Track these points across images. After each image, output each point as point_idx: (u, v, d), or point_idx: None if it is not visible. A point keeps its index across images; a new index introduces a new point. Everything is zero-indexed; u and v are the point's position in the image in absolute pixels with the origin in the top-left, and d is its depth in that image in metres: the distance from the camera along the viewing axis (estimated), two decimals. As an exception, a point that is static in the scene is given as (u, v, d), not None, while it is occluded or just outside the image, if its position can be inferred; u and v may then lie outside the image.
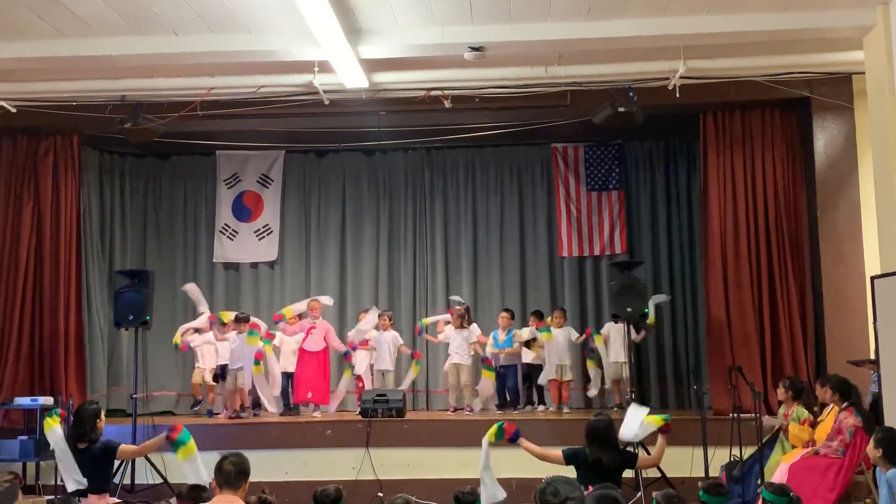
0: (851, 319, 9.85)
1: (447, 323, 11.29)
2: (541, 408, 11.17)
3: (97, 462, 6.85)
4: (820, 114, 10.27)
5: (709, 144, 10.69)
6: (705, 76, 9.69)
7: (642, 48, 8.96)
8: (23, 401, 9.85)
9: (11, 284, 10.77)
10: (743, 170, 10.56)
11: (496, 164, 12.79)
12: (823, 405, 8.33)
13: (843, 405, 7.83)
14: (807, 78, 9.93)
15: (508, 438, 6.63)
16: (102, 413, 7.17)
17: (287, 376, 11.17)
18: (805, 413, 8.35)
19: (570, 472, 6.73)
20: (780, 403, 8.76)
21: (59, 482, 8.50)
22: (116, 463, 7.43)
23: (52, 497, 8.26)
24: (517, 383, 11.30)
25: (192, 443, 6.74)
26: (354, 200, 12.85)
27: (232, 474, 4.92)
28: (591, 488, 5.48)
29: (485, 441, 6.53)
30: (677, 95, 9.74)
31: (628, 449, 7.58)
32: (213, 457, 5.13)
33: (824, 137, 10.28)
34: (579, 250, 12.41)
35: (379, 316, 11.33)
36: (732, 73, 9.70)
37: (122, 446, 7.15)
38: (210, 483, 5.05)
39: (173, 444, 6.73)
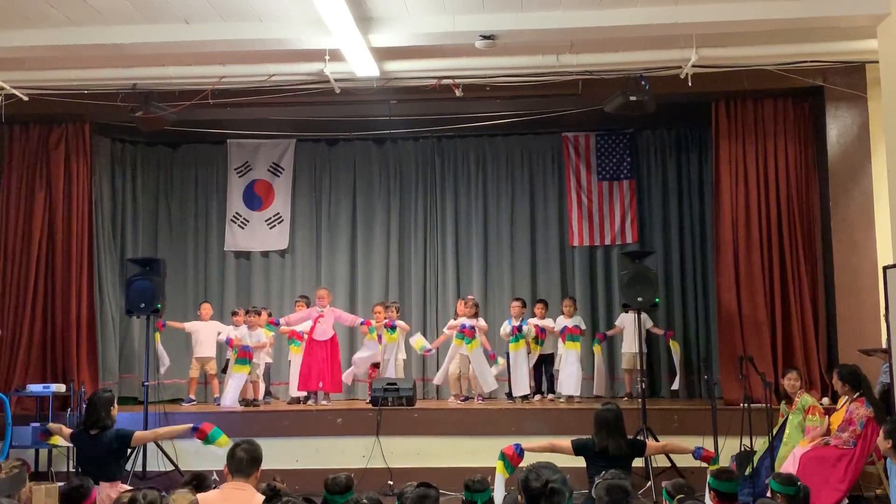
0: (863, 309, 9.81)
1: (464, 316, 11.28)
2: (550, 397, 11.17)
3: (110, 450, 6.89)
4: (833, 103, 10.21)
5: (721, 133, 10.64)
6: (717, 65, 9.64)
7: (654, 36, 8.92)
8: (35, 388, 9.94)
9: (24, 272, 10.82)
10: (755, 159, 10.51)
11: (507, 152, 12.76)
12: (836, 395, 8.31)
13: (855, 395, 7.81)
14: (820, 67, 9.86)
15: (517, 461, 6.62)
16: (115, 401, 7.23)
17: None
18: (811, 400, 8.33)
19: (580, 462, 6.79)
20: (783, 397, 8.71)
21: (70, 469, 8.56)
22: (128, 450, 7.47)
23: (64, 483, 8.30)
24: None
25: (223, 438, 6.79)
26: (365, 189, 12.85)
27: (244, 461, 4.95)
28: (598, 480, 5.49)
29: (499, 478, 6.46)
30: (689, 84, 9.70)
31: (638, 437, 7.63)
32: (226, 444, 5.17)
33: (837, 127, 10.23)
34: (590, 240, 12.38)
35: (386, 307, 11.35)
36: (745, 61, 9.65)
37: (137, 433, 7.21)
38: (223, 469, 5.08)
39: (205, 442, 6.87)
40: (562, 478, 3.58)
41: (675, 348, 10.79)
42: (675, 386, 10.95)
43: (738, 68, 9.80)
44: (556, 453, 6.82)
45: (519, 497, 3.69)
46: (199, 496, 4.75)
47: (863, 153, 10.10)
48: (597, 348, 11.15)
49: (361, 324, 11.20)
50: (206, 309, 11.50)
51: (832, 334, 10.15)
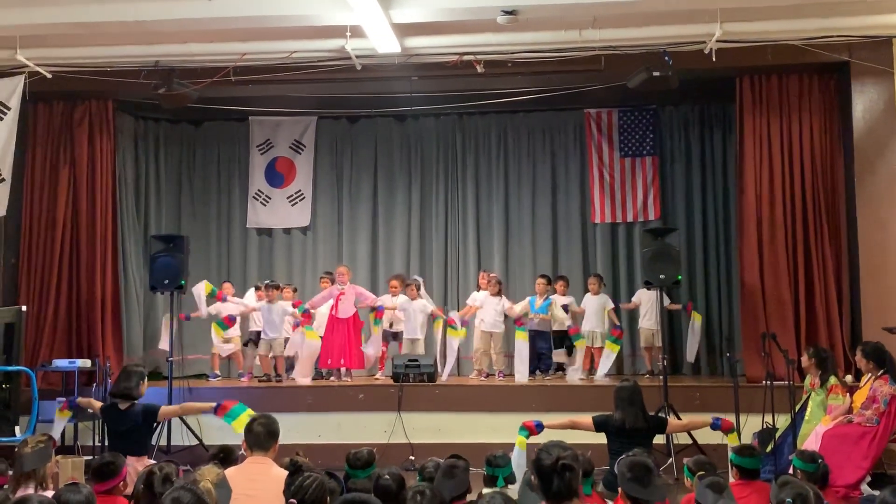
0: (888, 287, 9.75)
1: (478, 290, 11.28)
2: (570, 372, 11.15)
3: (138, 425, 6.99)
4: (859, 78, 10.08)
5: (745, 109, 10.53)
6: (742, 40, 9.54)
7: (678, 11, 8.86)
8: (61, 363, 10.06)
9: (49, 249, 10.91)
10: (779, 135, 10.41)
11: (528, 129, 12.71)
12: (859, 372, 8.26)
13: (879, 373, 7.77)
14: (846, 42, 9.74)
15: (536, 432, 6.68)
16: (146, 377, 7.32)
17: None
18: (833, 380, 8.28)
19: (602, 438, 6.82)
20: (803, 372, 8.68)
21: (97, 443, 8.67)
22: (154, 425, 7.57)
23: (92, 457, 8.41)
24: (550, 348, 11.27)
25: (245, 415, 6.75)
26: (386, 166, 12.86)
27: (261, 436, 5.00)
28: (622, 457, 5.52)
29: (517, 450, 6.49)
30: (713, 59, 9.61)
31: (660, 414, 7.64)
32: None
33: (863, 102, 10.10)
34: (612, 216, 12.34)
35: (407, 285, 11.30)
36: (770, 36, 9.54)
37: (163, 407, 7.31)
38: (241, 445, 5.13)
39: (225, 418, 6.88)
40: (573, 454, 3.60)
41: (697, 319, 10.75)
42: (691, 358, 10.95)
43: (762, 43, 9.69)
44: (578, 430, 6.87)
45: (532, 477, 3.72)
46: (221, 472, 4.79)
47: (889, 129, 9.98)
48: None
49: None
50: (227, 289, 11.53)
51: (856, 312, 10.08)
